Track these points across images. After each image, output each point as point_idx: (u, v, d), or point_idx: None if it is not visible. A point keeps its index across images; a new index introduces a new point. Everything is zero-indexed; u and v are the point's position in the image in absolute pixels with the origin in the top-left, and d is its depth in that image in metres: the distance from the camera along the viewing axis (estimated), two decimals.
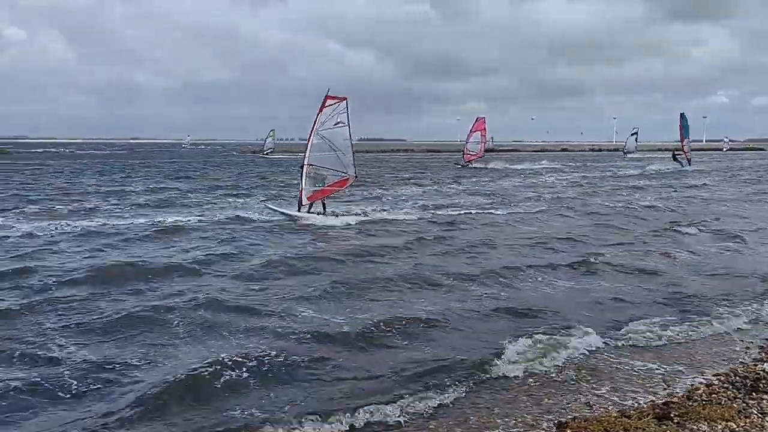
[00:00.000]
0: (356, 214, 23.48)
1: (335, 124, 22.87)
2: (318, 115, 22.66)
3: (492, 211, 25.75)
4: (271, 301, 11.24)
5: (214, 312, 10.32)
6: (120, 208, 25.89)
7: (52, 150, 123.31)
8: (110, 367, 8.03)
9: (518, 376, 8.08)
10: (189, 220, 21.95)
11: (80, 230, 19.30)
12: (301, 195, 22.48)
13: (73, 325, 9.62)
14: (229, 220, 22.09)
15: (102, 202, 28.33)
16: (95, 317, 10.02)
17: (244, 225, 21.10)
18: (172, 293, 11.64)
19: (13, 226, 20.01)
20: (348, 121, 23.05)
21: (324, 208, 22.99)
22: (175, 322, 9.79)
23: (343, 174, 23.03)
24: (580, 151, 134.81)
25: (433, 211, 25.23)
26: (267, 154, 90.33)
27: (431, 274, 13.46)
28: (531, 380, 7.99)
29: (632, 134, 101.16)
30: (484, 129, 66.72)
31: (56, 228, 19.65)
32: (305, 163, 22.44)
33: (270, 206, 23.92)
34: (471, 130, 67.09)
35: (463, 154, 67.16)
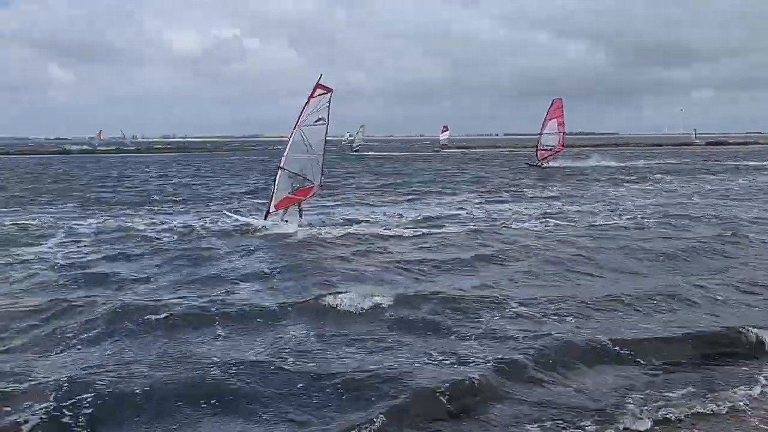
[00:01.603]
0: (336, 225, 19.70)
1: (316, 121, 19.29)
2: (305, 106, 19.02)
3: None
4: None
5: None
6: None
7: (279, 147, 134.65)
8: None
9: None
10: None
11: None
12: (270, 201, 19.05)
13: None
14: None
15: None
16: None
17: None
18: None
19: None
20: (328, 118, 19.15)
21: (300, 215, 19.48)
22: None
23: (308, 182, 19.13)
24: None
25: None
26: (355, 150, 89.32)
27: None
28: None
29: None
30: (561, 114, 52.07)
31: None
32: (281, 165, 18.98)
33: (228, 213, 20.86)
34: (546, 118, 52.10)
35: (536, 149, 53.60)
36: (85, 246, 16.45)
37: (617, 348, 8.24)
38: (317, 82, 19.13)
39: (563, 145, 52.59)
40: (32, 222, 20.78)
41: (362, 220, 20.94)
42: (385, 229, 18.86)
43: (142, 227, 19.67)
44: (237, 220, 19.73)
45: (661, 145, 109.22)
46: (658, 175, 42.15)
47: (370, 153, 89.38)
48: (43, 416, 6.29)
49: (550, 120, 51.75)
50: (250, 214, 20.95)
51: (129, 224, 20.35)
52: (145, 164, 64.37)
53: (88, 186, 37.25)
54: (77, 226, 19.95)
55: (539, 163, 51.77)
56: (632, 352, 8.15)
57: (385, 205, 26.02)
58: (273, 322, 9.55)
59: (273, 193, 19.02)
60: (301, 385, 7.12)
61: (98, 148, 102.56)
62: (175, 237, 17.84)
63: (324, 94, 19.14)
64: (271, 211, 19.03)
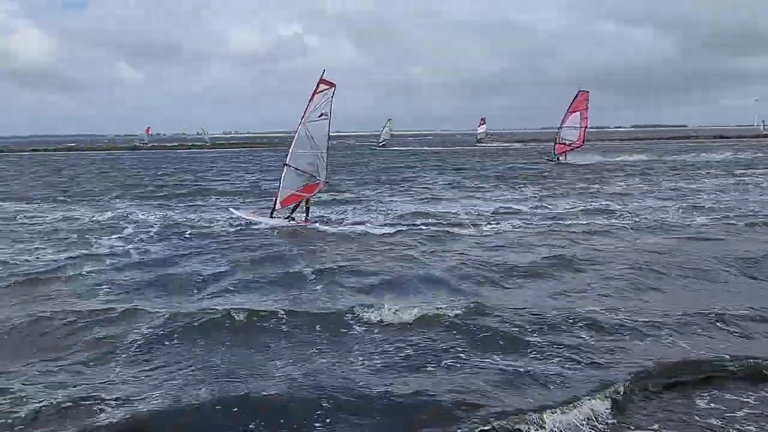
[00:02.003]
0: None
1: (320, 116, 19.06)
2: (309, 102, 18.81)
3: None
4: None
5: None
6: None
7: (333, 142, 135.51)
8: None
9: None
10: None
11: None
12: (276, 199, 18.95)
13: None
14: None
15: None
16: None
17: None
18: None
19: None
20: (330, 113, 18.86)
21: (307, 213, 19.30)
22: None
23: (313, 177, 18.87)
24: None
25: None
26: (382, 144, 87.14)
27: None
28: None
29: None
30: (586, 108, 47.25)
31: None
32: (286, 162, 18.86)
33: (234, 211, 20.81)
34: (568, 110, 47.46)
35: (555, 143, 49.52)
36: (155, 240, 16.86)
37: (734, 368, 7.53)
38: (321, 78, 18.88)
39: (583, 141, 48.43)
40: (105, 215, 21.73)
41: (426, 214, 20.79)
42: (451, 226, 18.40)
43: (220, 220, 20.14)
44: (241, 218, 19.71)
45: (726, 137, 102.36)
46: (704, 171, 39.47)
47: (394, 148, 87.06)
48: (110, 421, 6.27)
49: (572, 113, 47.30)
50: (255, 212, 20.91)
51: (209, 217, 20.86)
52: (225, 159, 65.95)
53: (155, 179, 38.54)
54: (148, 219, 20.71)
55: (556, 158, 48.39)
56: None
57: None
58: (346, 330, 9.05)
59: (278, 190, 18.96)
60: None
61: (146, 144, 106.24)
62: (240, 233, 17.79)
63: (327, 89, 18.89)
64: (276, 208, 18.97)
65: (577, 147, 48.05)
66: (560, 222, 19.08)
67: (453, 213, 21.28)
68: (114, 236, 17.50)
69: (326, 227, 18.40)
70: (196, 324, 9.17)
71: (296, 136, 18.98)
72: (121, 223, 20.03)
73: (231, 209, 21.63)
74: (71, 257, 14.41)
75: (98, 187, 34.01)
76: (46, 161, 66.33)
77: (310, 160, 19.08)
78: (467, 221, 19.33)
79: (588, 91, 47.58)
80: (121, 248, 15.65)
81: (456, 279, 11.89)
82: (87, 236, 17.47)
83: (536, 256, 13.94)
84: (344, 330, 9.01)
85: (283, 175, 18.85)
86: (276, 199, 18.98)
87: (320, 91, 18.88)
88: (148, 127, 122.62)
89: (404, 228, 18.03)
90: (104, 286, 11.73)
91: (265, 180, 36.60)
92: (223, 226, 18.90)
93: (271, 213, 19.09)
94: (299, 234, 17.73)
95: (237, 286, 11.60)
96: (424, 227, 18.15)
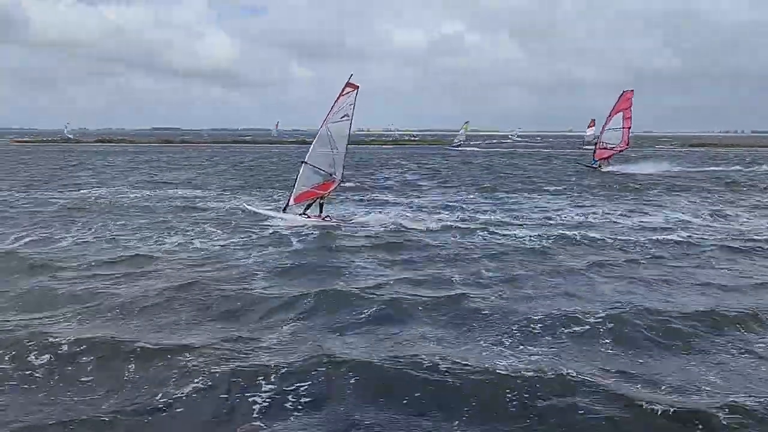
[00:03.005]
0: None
1: (342, 117, 19.36)
2: (334, 103, 19.05)
3: None
4: None
5: None
6: None
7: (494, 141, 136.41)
8: None
9: None
10: None
11: None
12: (290, 194, 19.33)
13: None
14: None
15: None
16: None
17: None
18: None
19: None
20: (353, 114, 19.00)
21: (321, 210, 19.52)
22: None
23: (330, 175, 19.10)
24: None
25: None
26: (458, 145, 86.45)
27: None
28: None
29: None
30: (629, 108, 42.78)
31: None
32: (305, 160, 19.19)
33: (247, 206, 21.29)
34: (611, 112, 43.22)
35: (595, 148, 44.99)
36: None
37: None
38: (347, 81, 19.04)
39: (627, 143, 44.14)
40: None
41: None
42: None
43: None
44: (256, 213, 20.26)
45: None
46: None
47: (468, 149, 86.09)
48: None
49: (615, 113, 43.01)
50: (268, 207, 21.49)
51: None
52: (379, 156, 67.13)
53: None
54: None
55: (596, 165, 43.42)
56: None
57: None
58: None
59: (293, 187, 19.28)
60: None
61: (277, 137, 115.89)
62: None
63: (351, 91, 19.04)
64: (290, 204, 19.30)
65: (621, 150, 43.91)
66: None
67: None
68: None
69: None
70: None
71: (318, 135, 19.22)
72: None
73: (245, 204, 22.08)
74: (237, 241, 16.15)
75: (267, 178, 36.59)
76: (225, 152, 72.28)
77: (329, 159, 19.23)
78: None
79: (632, 90, 43.17)
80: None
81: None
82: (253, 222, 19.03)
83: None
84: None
85: (300, 173, 19.17)
86: (290, 195, 19.36)
87: (345, 94, 19.06)
88: (277, 123, 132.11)
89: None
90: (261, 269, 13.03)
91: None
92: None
93: (284, 208, 19.47)
94: None
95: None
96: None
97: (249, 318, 9.84)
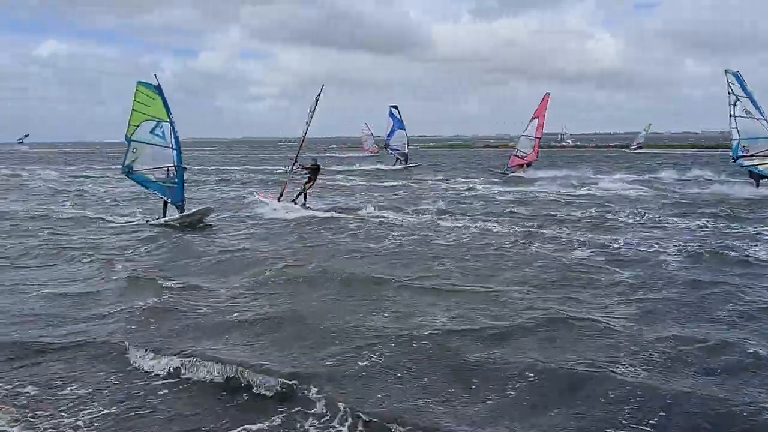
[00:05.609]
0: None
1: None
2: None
3: None
4: None
5: None
6: None
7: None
8: None
9: None
10: None
11: None
12: (283, 186, 24.00)
13: None
14: None
15: None
16: None
17: None
18: None
19: None
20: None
21: (305, 198, 23.65)
22: None
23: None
24: None
25: None
26: (635, 148, 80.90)
27: None
28: None
29: None
30: (543, 115, 40.06)
31: None
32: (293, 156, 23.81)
33: (255, 194, 25.94)
34: (533, 115, 40.42)
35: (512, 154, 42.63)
36: None
37: None
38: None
39: (537, 156, 41.27)
40: None
41: None
42: None
43: None
44: (259, 201, 24.41)
45: None
46: None
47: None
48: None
49: (533, 119, 40.39)
50: (271, 196, 24.61)
51: None
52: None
53: None
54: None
55: (505, 171, 41.16)
56: None
57: None
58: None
59: (287, 179, 23.92)
60: None
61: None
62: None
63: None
64: (282, 193, 23.79)
65: (529, 163, 40.89)
66: None
67: None
68: None
69: None
70: None
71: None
72: None
73: (254, 192, 26.82)
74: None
75: None
76: None
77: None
78: None
79: (547, 93, 40.21)
80: None
81: None
82: None
83: None
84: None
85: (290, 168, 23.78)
86: (283, 187, 24.00)
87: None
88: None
89: None
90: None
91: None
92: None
93: (279, 197, 23.94)
94: None
95: None
96: None
97: None
